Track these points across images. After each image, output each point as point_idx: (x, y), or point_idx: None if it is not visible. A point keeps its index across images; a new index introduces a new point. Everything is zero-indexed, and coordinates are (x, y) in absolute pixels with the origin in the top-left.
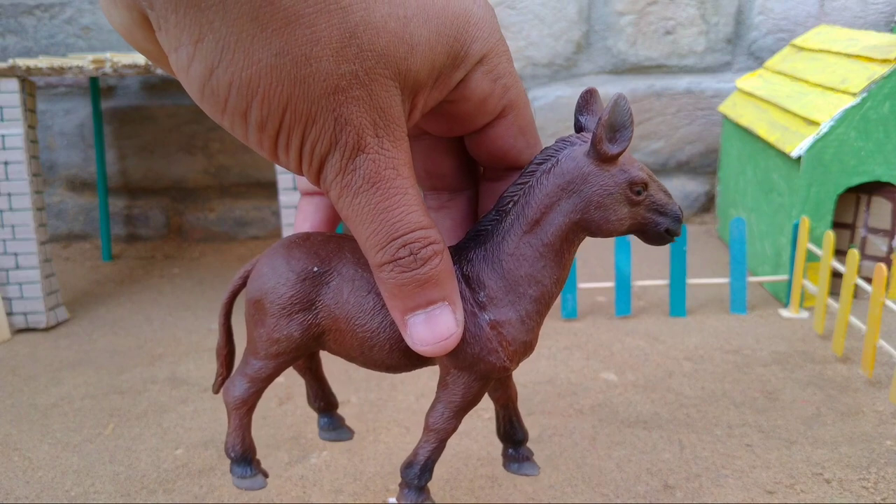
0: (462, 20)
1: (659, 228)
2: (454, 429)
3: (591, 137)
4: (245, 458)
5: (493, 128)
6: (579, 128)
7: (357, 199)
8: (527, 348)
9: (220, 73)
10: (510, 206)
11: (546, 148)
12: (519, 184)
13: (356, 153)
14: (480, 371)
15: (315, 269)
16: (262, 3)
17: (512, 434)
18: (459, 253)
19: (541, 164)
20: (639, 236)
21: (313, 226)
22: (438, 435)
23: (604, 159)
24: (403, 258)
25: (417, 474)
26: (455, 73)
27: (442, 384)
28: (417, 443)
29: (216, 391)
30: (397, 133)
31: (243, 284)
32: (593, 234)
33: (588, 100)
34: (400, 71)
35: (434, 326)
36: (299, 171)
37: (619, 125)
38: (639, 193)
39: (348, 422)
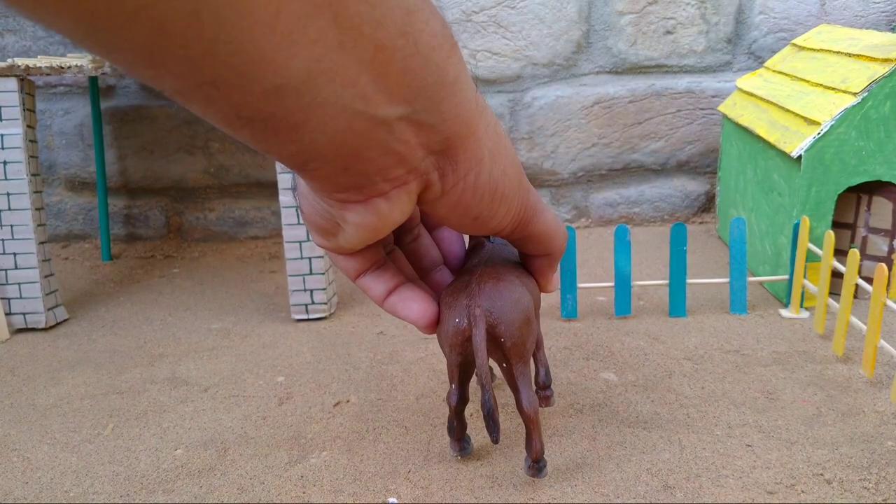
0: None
1: None
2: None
3: None
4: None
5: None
6: None
7: (542, 220)
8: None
9: (485, 178)
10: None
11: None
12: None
13: (534, 198)
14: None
15: None
16: (499, 137)
17: None
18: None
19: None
20: None
21: (388, 289)
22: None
23: None
24: None
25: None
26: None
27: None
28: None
29: (497, 441)
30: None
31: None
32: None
33: None
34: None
35: (557, 278)
36: (503, 228)
37: None
38: None
39: (348, 422)
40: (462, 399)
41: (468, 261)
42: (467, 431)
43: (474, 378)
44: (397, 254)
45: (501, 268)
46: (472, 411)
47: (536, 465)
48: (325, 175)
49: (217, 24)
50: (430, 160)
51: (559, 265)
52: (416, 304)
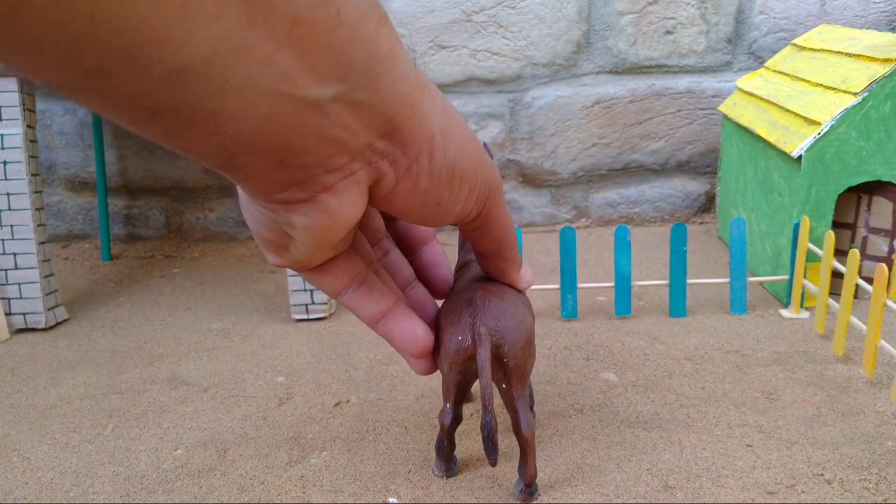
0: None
1: None
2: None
3: None
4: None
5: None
6: None
7: (503, 209)
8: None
9: (441, 159)
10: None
11: None
12: None
13: (498, 178)
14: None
15: None
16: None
17: None
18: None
19: None
20: None
21: (381, 310)
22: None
23: None
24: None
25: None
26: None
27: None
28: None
29: (494, 464)
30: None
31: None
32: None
33: None
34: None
35: (528, 273)
36: (467, 213)
37: None
38: None
39: (348, 422)
40: (456, 418)
41: (458, 281)
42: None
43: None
44: (384, 273)
45: (502, 286)
46: (460, 430)
47: (528, 490)
48: (258, 172)
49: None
50: (377, 147)
51: (521, 262)
52: (416, 329)
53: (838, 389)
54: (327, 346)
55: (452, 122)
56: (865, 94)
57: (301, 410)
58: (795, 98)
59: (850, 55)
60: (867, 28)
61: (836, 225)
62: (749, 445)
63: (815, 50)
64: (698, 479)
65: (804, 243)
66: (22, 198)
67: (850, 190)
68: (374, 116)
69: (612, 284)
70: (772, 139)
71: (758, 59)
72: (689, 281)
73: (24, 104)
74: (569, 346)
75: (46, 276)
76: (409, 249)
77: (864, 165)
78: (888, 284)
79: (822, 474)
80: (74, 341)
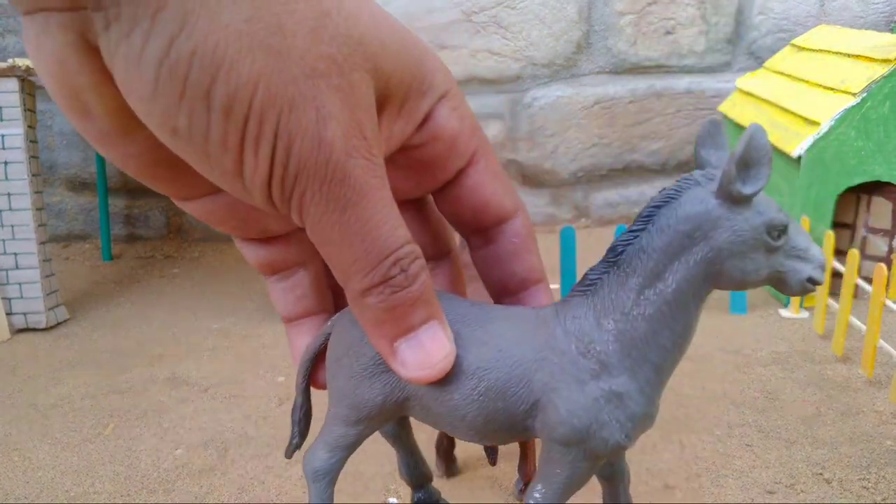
0: (423, 50)
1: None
2: None
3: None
4: None
5: (468, 177)
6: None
7: (346, 215)
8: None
9: (182, 43)
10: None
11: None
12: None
13: (346, 157)
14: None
15: None
16: None
17: None
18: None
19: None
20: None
21: (298, 311)
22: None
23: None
24: (395, 277)
25: None
26: (421, 101)
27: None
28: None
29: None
30: (378, 137)
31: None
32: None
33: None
34: (375, 68)
35: (429, 348)
36: (266, 185)
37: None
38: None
39: None
40: None
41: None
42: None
43: None
44: (322, 281)
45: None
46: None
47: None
48: None
49: None
50: None
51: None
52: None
53: (837, 389)
54: None
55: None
56: (864, 94)
57: None
58: (795, 98)
59: (849, 55)
60: (866, 29)
61: (836, 225)
62: (749, 445)
63: (814, 50)
64: (698, 478)
65: None
66: (23, 198)
67: (850, 190)
68: None
69: None
70: (771, 139)
71: (757, 60)
72: None
73: (24, 104)
74: None
75: (47, 276)
76: (479, 229)
77: (863, 165)
78: (887, 284)
79: (821, 474)
80: (75, 341)
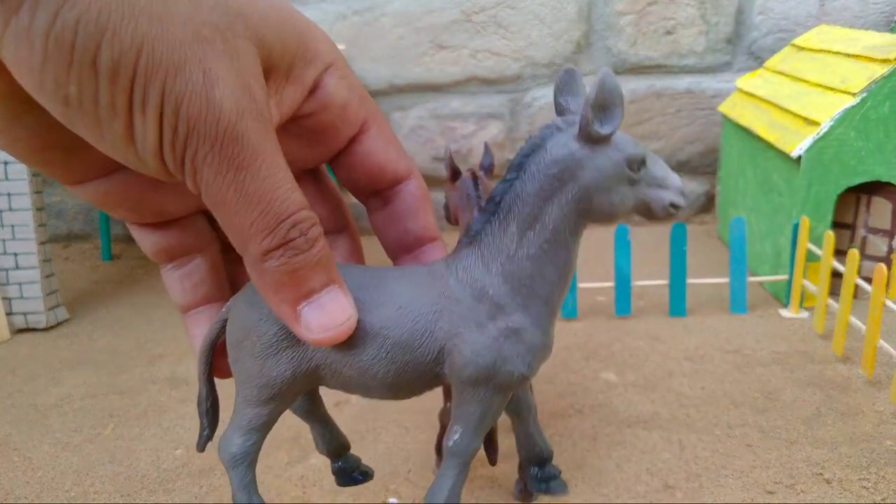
0: (305, 23)
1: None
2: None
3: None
4: None
5: (361, 144)
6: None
7: (240, 176)
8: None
9: (67, 12)
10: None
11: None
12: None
13: (236, 117)
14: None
15: None
16: None
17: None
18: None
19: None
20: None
21: (195, 299)
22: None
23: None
24: (295, 239)
25: None
26: (308, 69)
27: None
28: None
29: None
30: (267, 102)
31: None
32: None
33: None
34: (258, 37)
35: (331, 311)
36: (158, 150)
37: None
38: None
39: (348, 422)
40: None
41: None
42: None
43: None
44: (220, 269)
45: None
46: None
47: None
48: None
49: None
50: None
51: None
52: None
53: (837, 389)
54: None
55: None
56: (864, 94)
57: None
58: (795, 98)
59: (849, 55)
60: (866, 28)
61: (836, 225)
62: (749, 445)
63: (814, 50)
64: (698, 478)
65: (804, 243)
66: (23, 198)
67: (850, 190)
68: None
69: (612, 284)
70: (771, 139)
71: (757, 60)
72: (688, 281)
73: None
74: (569, 346)
75: (47, 276)
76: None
77: (863, 166)
78: (887, 284)
79: (821, 474)
80: (75, 341)
